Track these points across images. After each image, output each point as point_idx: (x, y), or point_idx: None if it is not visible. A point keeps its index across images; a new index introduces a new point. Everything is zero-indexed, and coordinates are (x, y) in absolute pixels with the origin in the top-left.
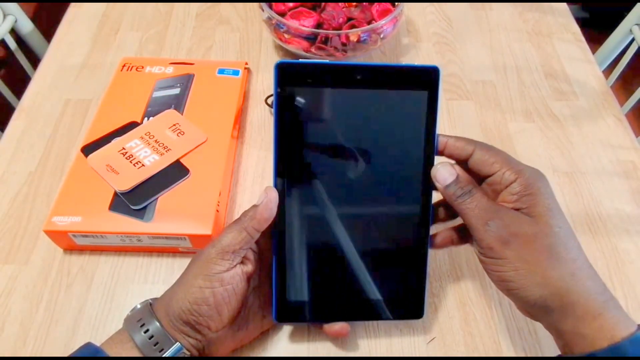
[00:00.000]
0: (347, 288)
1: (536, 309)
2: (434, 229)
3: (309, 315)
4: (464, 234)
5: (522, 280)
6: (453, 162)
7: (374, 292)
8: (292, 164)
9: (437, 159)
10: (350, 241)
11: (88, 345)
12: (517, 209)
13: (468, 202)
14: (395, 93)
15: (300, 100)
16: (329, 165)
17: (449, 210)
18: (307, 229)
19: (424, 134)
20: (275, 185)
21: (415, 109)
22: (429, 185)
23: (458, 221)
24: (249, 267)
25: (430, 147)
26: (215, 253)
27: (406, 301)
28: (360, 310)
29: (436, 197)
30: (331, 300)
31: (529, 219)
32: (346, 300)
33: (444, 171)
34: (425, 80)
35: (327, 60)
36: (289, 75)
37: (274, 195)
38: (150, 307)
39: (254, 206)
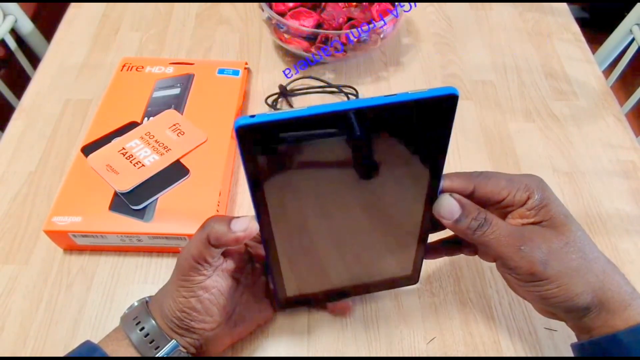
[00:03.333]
0: (344, 266)
1: (574, 314)
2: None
3: (309, 298)
4: (454, 247)
5: (567, 294)
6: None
7: (373, 266)
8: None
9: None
10: (347, 219)
11: (86, 343)
12: (536, 223)
13: (490, 233)
14: (398, 131)
15: (276, 163)
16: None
17: (451, 247)
18: (298, 214)
19: (432, 172)
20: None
21: (424, 139)
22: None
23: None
24: (230, 264)
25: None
26: (188, 267)
27: (403, 269)
28: (360, 285)
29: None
30: (330, 280)
31: (553, 232)
32: (345, 278)
33: (447, 205)
34: (434, 115)
35: (295, 111)
36: (253, 139)
37: (253, 231)
38: (146, 306)
39: (231, 231)
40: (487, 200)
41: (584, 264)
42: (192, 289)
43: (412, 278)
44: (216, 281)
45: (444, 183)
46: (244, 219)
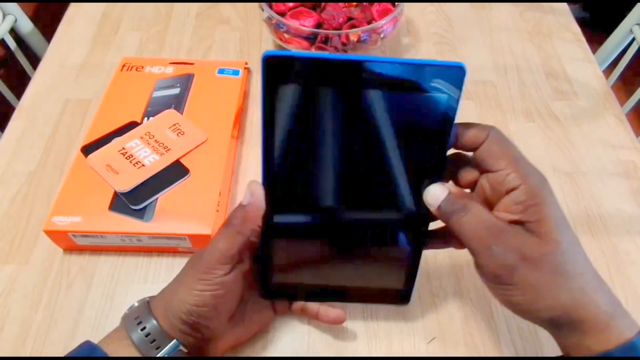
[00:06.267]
0: (333, 268)
1: (544, 326)
2: None
3: (294, 292)
4: (446, 237)
5: (531, 304)
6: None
7: (363, 275)
8: (281, 162)
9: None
10: (341, 225)
11: (85, 343)
12: (522, 222)
13: (465, 220)
14: (406, 94)
15: (290, 97)
16: (323, 164)
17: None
18: (295, 211)
19: (435, 137)
20: (264, 182)
21: (429, 110)
22: (437, 173)
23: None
24: (246, 265)
25: (441, 149)
26: (215, 260)
27: (394, 286)
28: (348, 292)
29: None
30: (317, 279)
31: (535, 240)
32: (332, 281)
33: (434, 190)
34: (445, 80)
35: (322, 54)
36: (278, 70)
37: (260, 192)
38: (147, 305)
39: (241, 206)
40: (483, 160)
41: (556, 280)
42: (210, 284)
43: (403, 295)
44: (232, 280)
45: (457, 130)
46: (246, 188)
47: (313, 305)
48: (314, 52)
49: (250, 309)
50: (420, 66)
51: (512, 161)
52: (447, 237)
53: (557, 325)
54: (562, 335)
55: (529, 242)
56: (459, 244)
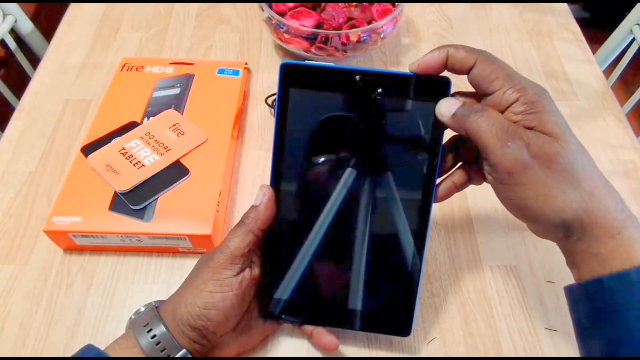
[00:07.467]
0: (334, 293)
1: (553, 232)
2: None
3: (293, 315)
4: (468, 173)
5: (543, 207)
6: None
7: (362, 302)
8: (290, 166)
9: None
10: (343, 247)
11: (89, 347)
12: (528, 128)
13: (481, 120)
14: (402, 101)
15: (302, 102)
16: (329, 170)
17: (456, 156)
18: (300, 228)
19: (430, 145)
20: (272, 184)
21: (422, 118)
22: (429, 198)
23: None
24: (256, 271)
25: (434, 159)
26: (225, 258)
27: (394, 316)
28: (346, 318)
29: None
30: (317, 304)
31: (547, 138)
32: (332, 306)
33: (447, 103)
34: (435, 91)
35: (333, 64)
36: (294, 77)
37: (272, 193)
38: (156, 311)
39: (254, 207)
40: (478, 86)
41: (567, 180)
42: (221, 284)
43: (403, 330)
44: (242, 283)
45: (448, 50)
46: (258, 190)
47: (308, 326)
48: (329, 63)
49: (256, 318)
50: (409, 77)
51: (506, 79)
52: (469, 175)
53: (568, 231)
54: (572, 241)
55: (542, 140)
56: (479, 177)
